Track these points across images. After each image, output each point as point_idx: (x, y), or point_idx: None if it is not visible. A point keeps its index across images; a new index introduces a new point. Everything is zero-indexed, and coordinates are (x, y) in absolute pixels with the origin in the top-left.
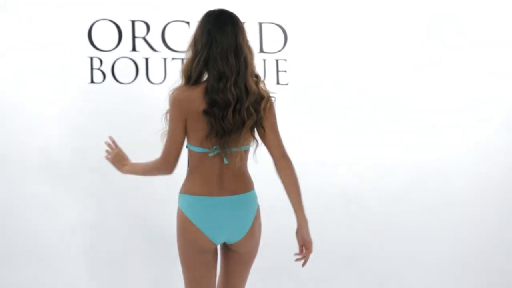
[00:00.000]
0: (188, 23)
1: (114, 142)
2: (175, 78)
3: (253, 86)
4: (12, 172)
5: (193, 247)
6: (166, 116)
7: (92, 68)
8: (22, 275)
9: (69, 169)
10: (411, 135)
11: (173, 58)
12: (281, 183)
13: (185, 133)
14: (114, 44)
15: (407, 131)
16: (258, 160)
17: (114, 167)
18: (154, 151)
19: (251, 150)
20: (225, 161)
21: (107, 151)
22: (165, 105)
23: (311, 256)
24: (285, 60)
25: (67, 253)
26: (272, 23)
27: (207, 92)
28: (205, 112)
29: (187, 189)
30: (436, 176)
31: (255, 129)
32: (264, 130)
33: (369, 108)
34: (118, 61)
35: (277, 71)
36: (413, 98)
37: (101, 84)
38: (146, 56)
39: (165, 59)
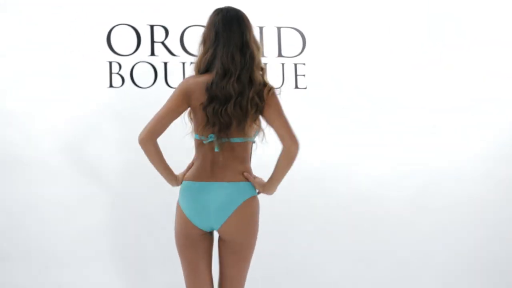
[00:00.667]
0: None
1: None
2: None
3: (259, 77)
4: (32, 173)
5: (181, 232)
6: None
7: (111, 73)
8: (44, 274)
9: (88, 171)
10: (431, 137)
11: (191, 63)
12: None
13: (175, 116)
14: (133, 48)
15: (426, 133)
16: (262, 149)
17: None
18: (173, 154)
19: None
20: (216, 149)
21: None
22: None
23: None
24: (304, 64)
25: (88, 253)
26: (291, 27)
27: (209, 86)
28: (204, 107)
29: (187, 176)
30: (442, 178)
31: (259, 120)
32: (268, 118)
33: (389, 110)
34: (137, 65)
35: (296, 75)
36: (433, 99)
37: (120, 88)
38: (165, 61)
39: (183, 64)
